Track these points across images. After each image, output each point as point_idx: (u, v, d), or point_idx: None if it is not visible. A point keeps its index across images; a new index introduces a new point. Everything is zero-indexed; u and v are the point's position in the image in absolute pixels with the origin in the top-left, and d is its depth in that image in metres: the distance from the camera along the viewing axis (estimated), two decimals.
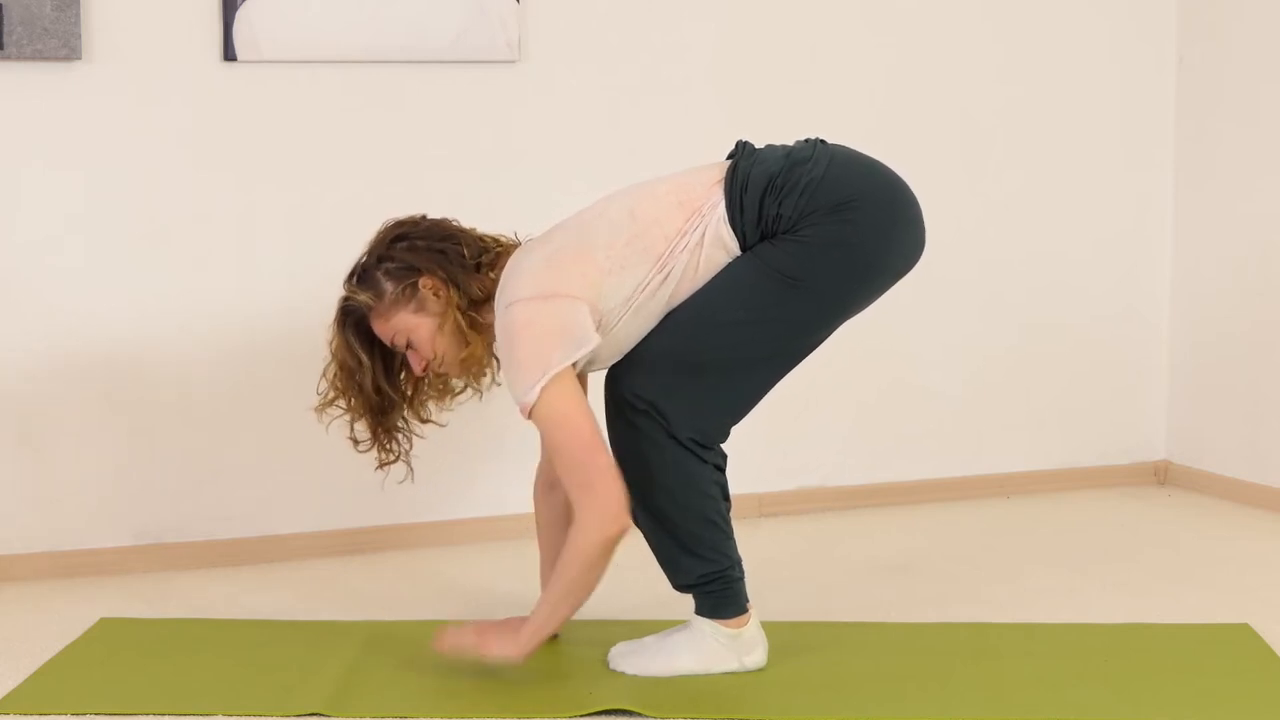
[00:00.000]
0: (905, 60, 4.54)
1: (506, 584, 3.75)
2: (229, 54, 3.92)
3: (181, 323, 3.97)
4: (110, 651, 3.34)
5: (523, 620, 3.15)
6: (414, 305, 3.09)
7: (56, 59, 3.79)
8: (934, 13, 4.56)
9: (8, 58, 3.75)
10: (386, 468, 3.26)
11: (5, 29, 3.73)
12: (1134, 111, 4.77)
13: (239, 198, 3.99)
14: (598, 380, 3.18)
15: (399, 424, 3.22)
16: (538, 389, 2.94)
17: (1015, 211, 4.68)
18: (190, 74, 3.92)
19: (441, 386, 3.22)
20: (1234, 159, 4.63)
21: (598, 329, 3.00)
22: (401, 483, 3.35)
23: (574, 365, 2.98)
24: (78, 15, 3.77)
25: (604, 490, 2.95)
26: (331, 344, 3.17)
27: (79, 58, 3.80)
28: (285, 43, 3.96)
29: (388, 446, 3.23)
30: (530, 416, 2.97)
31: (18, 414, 3.88)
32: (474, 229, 3.21)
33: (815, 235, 3.00)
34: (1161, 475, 4.85)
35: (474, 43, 4.10)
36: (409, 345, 3.13)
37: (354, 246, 3.21)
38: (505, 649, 3.06)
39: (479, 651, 3.06)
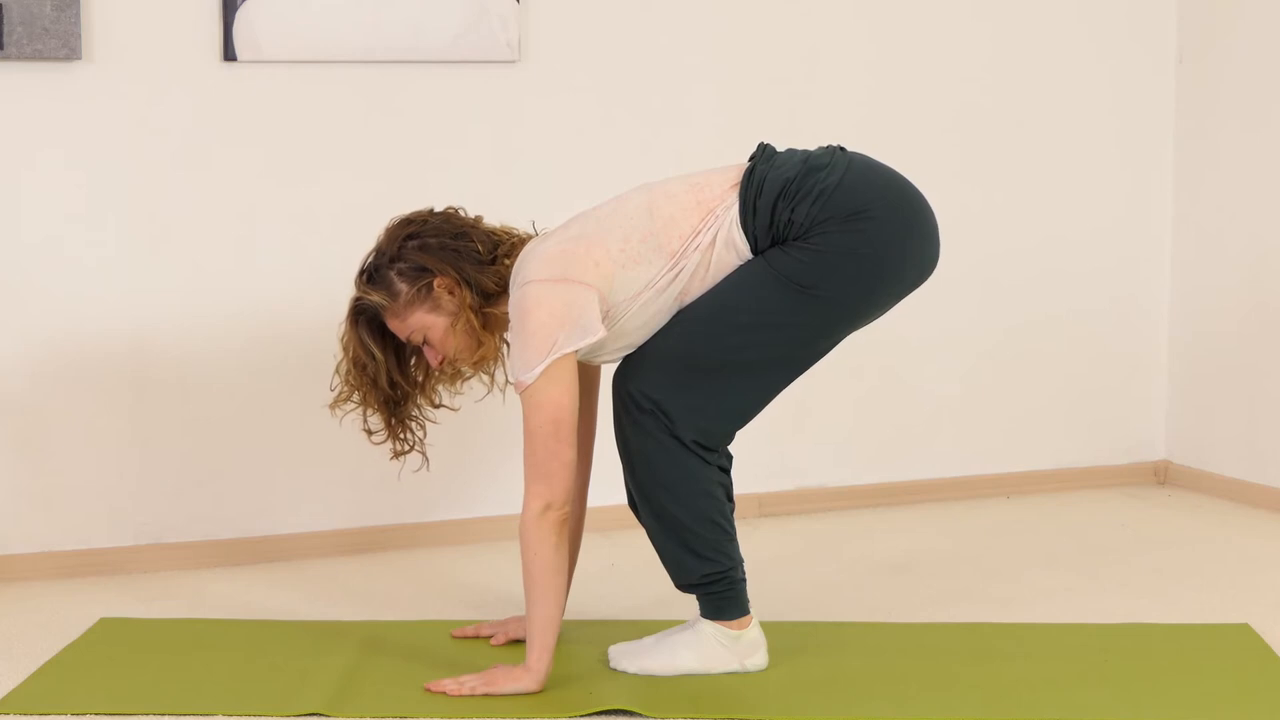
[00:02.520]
0: (905, 58, 4.53)
1: (507, 584, 3.75)
2: (229, 54, 3.92)
3: (182, 322, 3.97)
4: (110, 651, 3.34)
5: (520, 620, 3.18)
6: (429, 305, 3.10)
7: (56, 59, 3.79)
8: (934, 11, 4.55)
9: (8, 58, 3.75)
10: (402, 458, 3.26)
11: (5, 29, 3.73)
12: (1134, 109, 4.77)
13: (239, 198, 3.99)
14: (608, 370, 3.19)
15: (413, 413, 3.23)
16: (538, 370, 2.96)
17: (1015, 213, 4.68)
18: (190, 74, 3.92)
19: (452, 372, 3.22)
20: (1234, 157, 4.63)
21: (605, 320, 3.01)
22: (417, 471, 3.35)
23: (576, 352, 3.00)
24: (78, 15, 3.77)
25: (558, 482, 2.99)
26: (344, 340, 3.17)
27: (79, 58, 3.80)
28: (285, 43, 3.96)
29: (402, 437, 3.24)
30: (521, 393, 3.00)
31: (18, 414, 3.88)
32: (481, 218, 3.21)
33: (826, 243, 3.00)
34: (1161, 475, 4.85)
35: (474, 43, 4.10)
36: (425, 342, 3.13)
37: (354, 246, 3.21)
38: (520, 683, 3.03)
39: (491, 693, 3.03)
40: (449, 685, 3.05)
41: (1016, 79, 4.65)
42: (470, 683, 3.05)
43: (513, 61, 4.15)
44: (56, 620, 3.53)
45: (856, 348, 4.44)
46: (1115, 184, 4.77)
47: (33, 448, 3.90)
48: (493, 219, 3.33)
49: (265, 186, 4.01)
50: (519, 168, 4.18)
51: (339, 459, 4.05)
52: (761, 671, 3.14)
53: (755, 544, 3.91)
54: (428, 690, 3.05)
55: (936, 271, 4.55)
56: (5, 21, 3.72)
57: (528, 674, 3.03)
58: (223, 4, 3.90)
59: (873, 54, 4.51)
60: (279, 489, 4.08)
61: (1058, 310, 4.74)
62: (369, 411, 3.21)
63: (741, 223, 3.03)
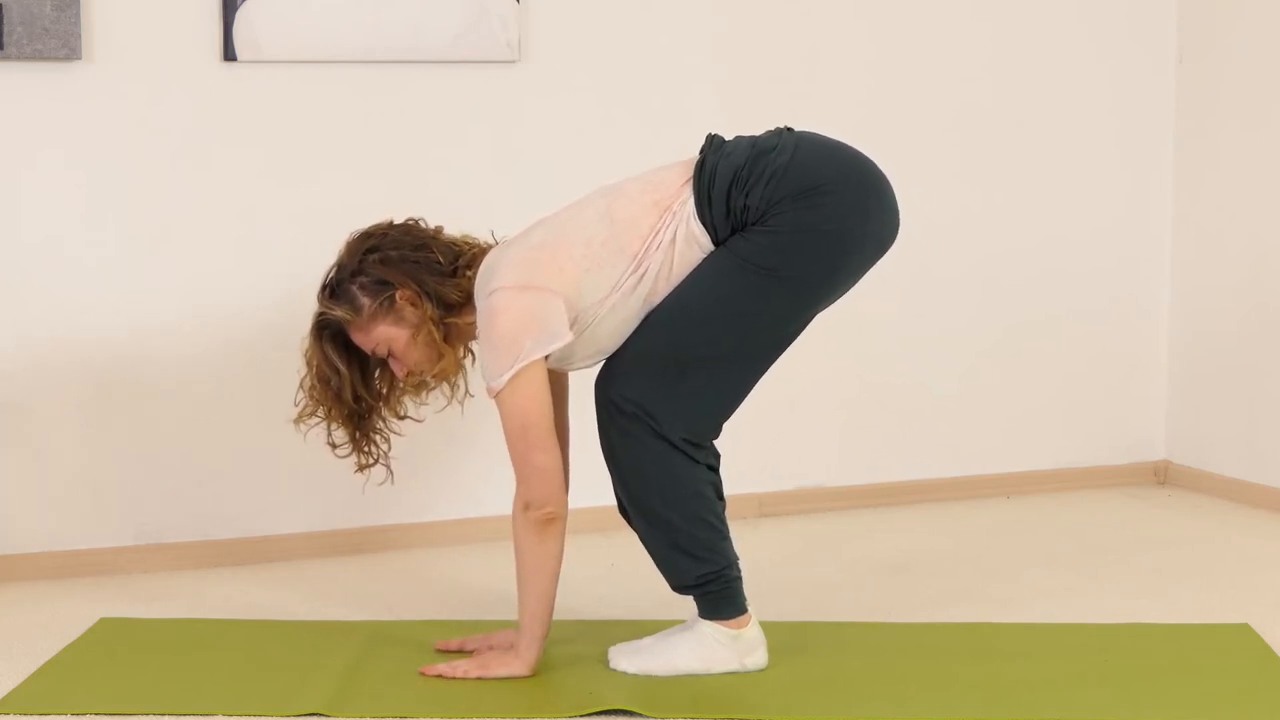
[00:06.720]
0: (905, 58, 4.53)
1: (506, 584, 3.74)
2: (229, 54, 3.92)
3: (181, 322, 3.97)
4: (110, 651, 3.34)
5: (505, 634, 3.23)
6: (392, 318, 3.12)
7: (56, 59, 3.79)
8: (934, 11, 4.55)
9: (8, 58, 3.75)
10: (366, 471, 3.27)
11: (5, 29, 3.73)
12: (1134, 109, 4.77)
13: (239, 197, 3.99)
14: (585, 377, 3.19)
15: (377, 426, 3.24)
16: (506, 377, 2.98)
17: (1015, 213, 4.68)
18: (190, 74, 3.92)
19: (417, 383, 3.23)
20: (1234, 157, 4.63)
21: (573, 326, 3.02)
22: (381, 484, 3.37)
23: (546, 358, 3.01)
24: (78, 15, 3.77)
25: (535, 485, 3.03)
26: (307, 355, 3.19)
27: (79, 58, 3.80)
28: (285, 43, 3.96)
29: (366, 450, 3.25)
30: (494, 399, 3.03)
31: (19, 413, 3.88)
32: (441, 229, 3.22)
33: (784, 223, 3.00)
34: (1161, 475, 4.85)
35: (474, 43, 4.10)
36: (390, 354, 3.15)
37: None
38: (511, 668, 3.11)
39: (484, 676, 3.10)
40: (444, 669, 3.12)
41: (1016, 79, 4.65)
42: (463, 667, 3.12)
43: (513, 61, 4.15)
44: (56, 620, 3.53)
45: (856, 347, 4.47)
46: (1115, 184, 4.77)
47: (33, 448, 3.90)
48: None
49: (265, 186, 4.01)
50: (519, 168, 4.18)
51: (338, 460, 4.04)
52: (761, 671, 3.14)
53: (755, 544, 3.92)
54: (422, 674, 3.10)
55: (936, 271, 4.58)
56: (5, 21, 3.72)
57: (518, 660, 3.10)
58: (223, 4, 3.90)
59: (873, 54, 4.51)
60: (279, 489, 4.08)
61: (1057, 310, 4.74)
62: (333, 425, 3.22)
63: (699, 215, 3.03)
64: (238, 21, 3.91)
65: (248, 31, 3.92)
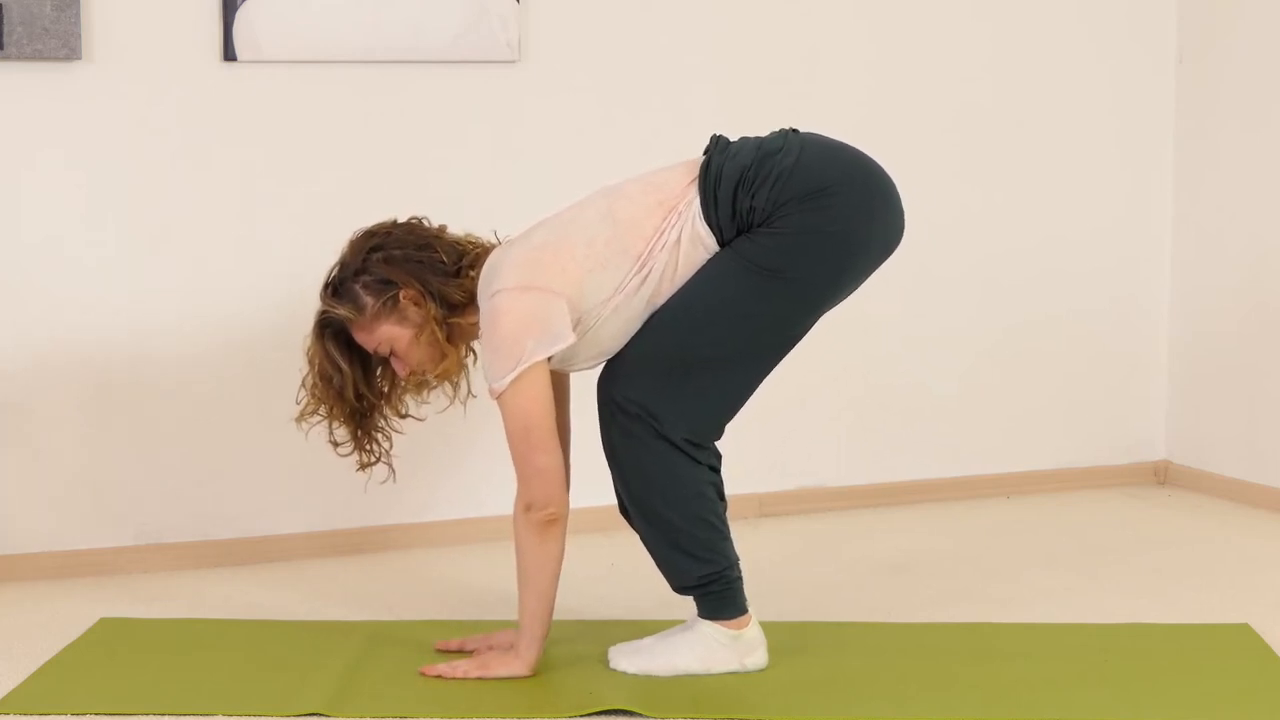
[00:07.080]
0: (905, 58, 4.53)
1: (506, 584, 3.74)
2: (229, 54, 3.92)
3: (181, 322, 3.97)
4: (110, 651, 3.34)
5: (505, 633, 3.23)
6: (395, 317, 3.11)
7: (56, 59, 3.79)
8: (934, 11, 4.55)
9: (8, 58, 3.75)
10: (368, 469, 3.27)
11: (5, 29, 3.73)
12: (1134, 109, 4.77)
13: (239, 197, 3.99)
14: (586, 376, 3.19)
15: (379, 425, 3.24)
16: (508, 379, 2.98)
17: (1015, 213, 4.68)
18: (190, 74, 3.92)
19: (419, 382, 3.23)
20: (1234, 157, 4.63)
21: (576, 327, 3.02)
22: (384, 483, 3.36)
23: (548, 360, 3.01)
24: (78, 15, 3.77)
25: (536, 486, 3.03)
26: (309, 354, 3.19)
27: (79, 58, 3.80)
28: (285, 43, 3.96)
29: (368, 448, 3.25)
30: (496, 400, 3.03)
31: (19, 413, 3.88)
32: (445, 228, 3.22)
33: (790, 225, 3.00)
34: (1161, 475, 4.85)
35: (474, 43, 4.10)
36: (392, 353, 3.14)
37: None
38: (511, 668, 3.11)
39: (484, 676, 3.10)
40: (444, 669, 3.12)
41: (1016, 79, 4.65)
42: (464, 667, 3.12)
43: (513, 61, 4.15)
44: (56, 620, 3.53)
45: (856, 347, 4.47)
46: (1115, 184, 4.77)
47: (33, 448, 3.90)
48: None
49: (265, 186, 4.01)
50: (519, 168, 4.18)
51: (338, 460, 4.04)
52: (761, 671, 3.15)
53: (755, 544, 3.92)
54: (422, 674, 3.11)
55: (937, 271, 4.58)
56: (5, 21, 3.72)
57: (518, 660, 3.11)
58: (223, 4, 3.90)
59: (873, 54, 4.51)
60: (279, 489, 4.08)
61: (1057, 310, 4.74)
62: (335, 424, 3.22)
63: (704, 216, 3.03)
64: (238, 21, 3.92)
65: (248, 31, 3.92)
